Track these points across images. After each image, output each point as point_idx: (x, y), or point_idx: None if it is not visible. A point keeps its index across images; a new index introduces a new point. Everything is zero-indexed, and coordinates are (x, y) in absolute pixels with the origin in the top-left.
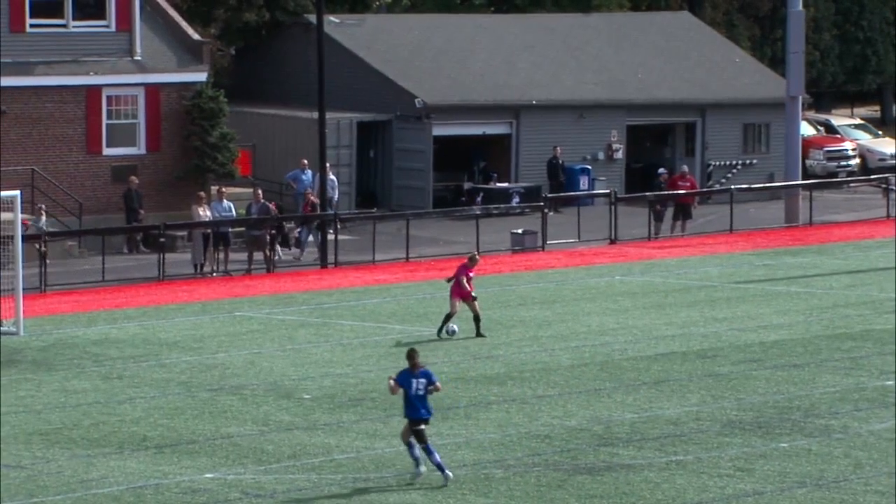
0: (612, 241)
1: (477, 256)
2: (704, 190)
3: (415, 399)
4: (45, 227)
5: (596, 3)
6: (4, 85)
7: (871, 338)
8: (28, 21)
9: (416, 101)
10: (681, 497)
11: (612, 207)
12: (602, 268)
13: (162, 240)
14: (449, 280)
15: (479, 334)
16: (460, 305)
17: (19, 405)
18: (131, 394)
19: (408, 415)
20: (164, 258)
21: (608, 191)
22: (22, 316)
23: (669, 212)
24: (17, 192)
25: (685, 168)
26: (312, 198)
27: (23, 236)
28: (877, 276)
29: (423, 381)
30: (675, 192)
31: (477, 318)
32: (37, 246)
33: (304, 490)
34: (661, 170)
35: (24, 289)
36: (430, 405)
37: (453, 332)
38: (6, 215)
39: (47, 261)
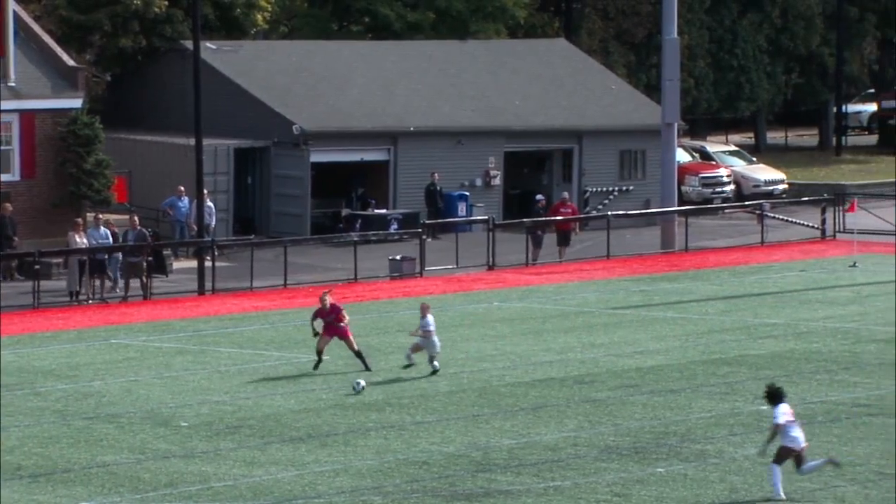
0: (491, 268)
1: (325, 297)
2: (582, 216)
3: None
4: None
5: (473, 31)
6: None
7: (745, 363)
8: None
9: (294, 127)
10: None
11: (490, 234)
12: (480, 294)
13: (37, 267)
14: (315, 335)
15: (366, 368)
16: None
17: None
18: (5, 423)
19: None
20: (38, 285)
21: (486, 217)
22: None
23: (549, 238)
24: None
25: (565, 195)
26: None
27: None
28: (751, 301)
29: None
30: (554, 217)
31: (358, 354)
32: None
33: None
34: (539, 196)
35: None
36: None
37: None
38: None
39: None
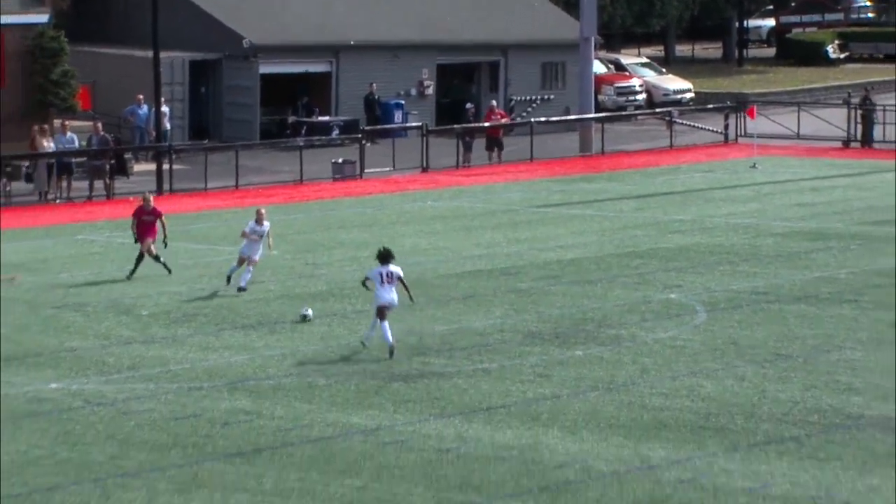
0: (425, 170)
1: (149, 196)
2: (508, 122)
3: None
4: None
5: None
6: None
7: (656, 256)
8: None
9: (244, 41)
10: (486, 401)
11: (424, 139)
12: (415, 194)
13: (8, 169)
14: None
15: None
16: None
17: None
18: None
19: None
20: (9, 186)
21: (420, 124)
22: None
23: (479, 142)
24: None
25: (493, 103)
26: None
27: None
28: (661, 200)
29: None
30: (483, 124)
31: (156, 258)
32: None
33: (143, 398)
34: (469, 105)
35: None
36: None
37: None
38: None
39: None
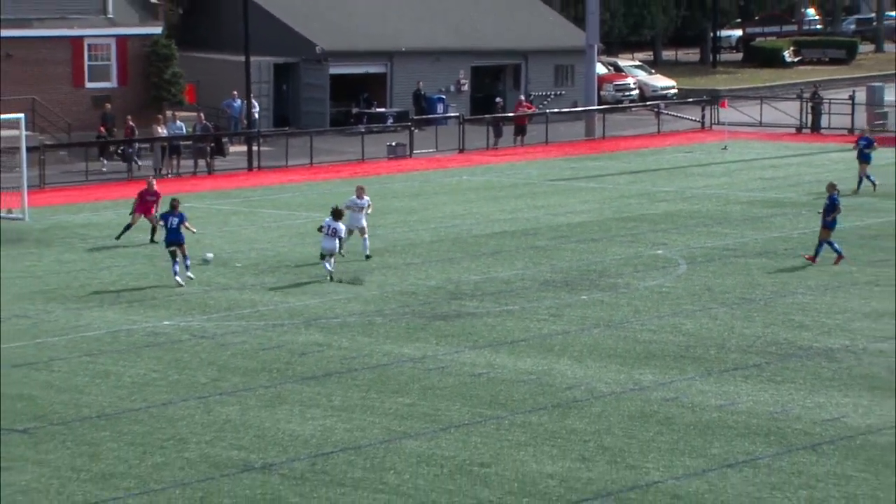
0: (461, 151)
1: (152, 180)
2: (529, 113)
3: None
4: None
5: None
6: (9, 35)
7: (646, 220)
8: None
9: (317, 48)
10: (510, 335)
11: (461, 126)
12: (453, 170)
13: (130, 150)
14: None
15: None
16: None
17: (25, 272)
18: (109, 263)
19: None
20: (132, 164)
21: (458, 114)
22: (27, 206)
23: (507, 129)
24: (22, 115)
25: (522, 97)
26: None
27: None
28: (650, 175)
29: (176, 219)
30: (511, 114)
31: (152, 233)
32: (39, 155)
33: (236, 333)
34: (498, 99)
35: (27, 186)
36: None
37: (207, 260)
38: (13, 132)
39: (45, 165)
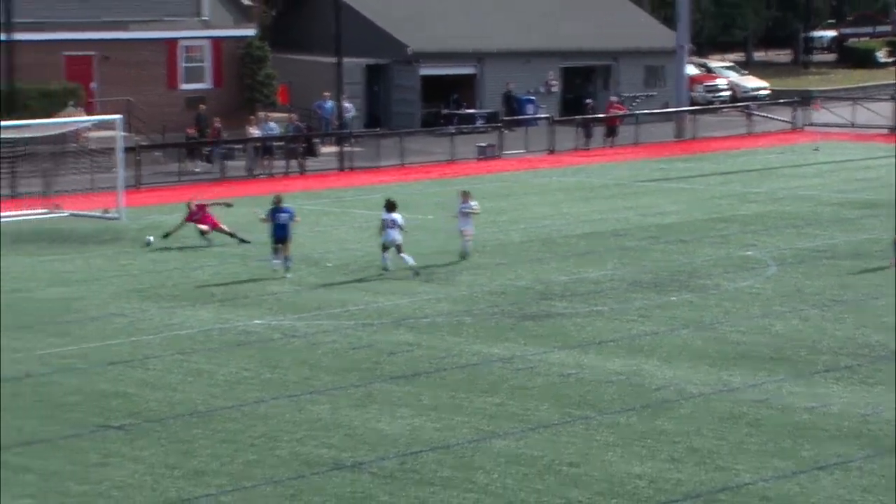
0: (551, 152)
1: (191, 203)
2: (620, 114)
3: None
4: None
5: None
6: (107, 38)
7: (736, 220)
8: None
9: (408, 49)
10: (599, 336)
11: (552, 127)
12: (543, 171)
13: (223, 151)
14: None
15: (241, 240)
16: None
17: (121, 271)
18: (202, 263)
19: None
20: (225, 164)
21: (547, 115)
22: (123, 205)
23: (597, 130)
24: (118, 116)
25: (613, 98)
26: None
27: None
28: (741, 176)
29: (286, 215)
30: (601, 115)
31: (230, 235)
32: (134, 155)
33: (327, 332)
34: (588, 100)
35: (123, 186)
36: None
37: (148, 242)
38: (110, 133)
39: (141, 166)
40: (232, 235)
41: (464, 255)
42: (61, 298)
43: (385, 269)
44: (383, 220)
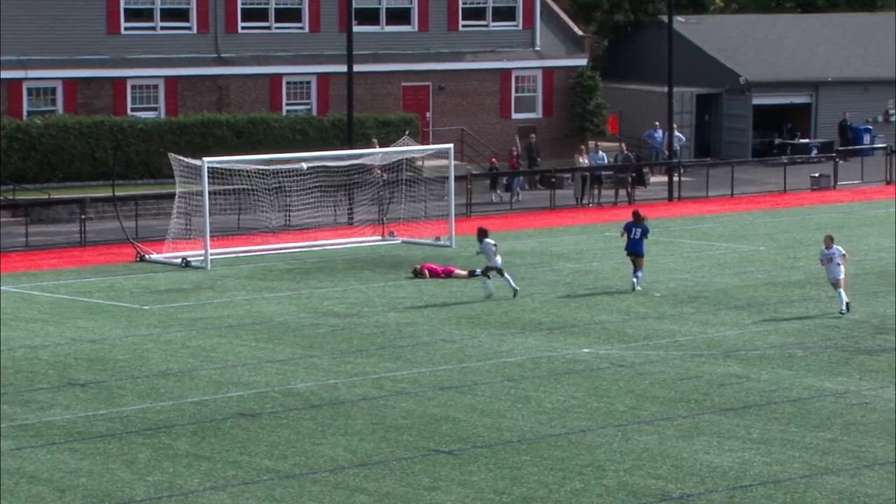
0: (889, 182)
1: (421, 269)
2: None
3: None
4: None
5: (880, 5)
6: (442, 69)
7: None
8: (460, 22)
9: (741, 79)
10: None
11: (889, 157)
12: (880, 202)
13: (553, 180)
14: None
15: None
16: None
17: (451, 297)
18: (531, 290)
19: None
20: (554, 193)
21: (885, 145)
22: (454, 233)
23: None
24: (450, 145)
25: None
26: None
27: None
28: None
29: (640, 230)
30: None
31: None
32: (466, 184)
33: (655, 362)
34: None
35: (455, 214)
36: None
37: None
38: (442, 161)
39: (472, 195)
40: (500, 272)
41: (845, 310)
42: (396, 323)
43: (488, 293)
44: (485, 245)
